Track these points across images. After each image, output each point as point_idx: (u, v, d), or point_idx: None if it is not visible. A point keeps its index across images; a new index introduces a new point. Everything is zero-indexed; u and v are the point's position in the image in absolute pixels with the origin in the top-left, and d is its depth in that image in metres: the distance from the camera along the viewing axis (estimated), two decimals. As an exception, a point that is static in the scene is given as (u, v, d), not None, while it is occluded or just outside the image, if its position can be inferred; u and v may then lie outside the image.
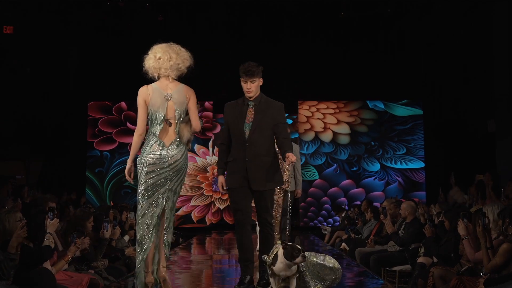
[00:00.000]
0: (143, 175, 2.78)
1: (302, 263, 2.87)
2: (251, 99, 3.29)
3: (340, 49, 9.06)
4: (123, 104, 9.69)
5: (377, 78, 9.05)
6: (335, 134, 9.62)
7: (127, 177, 2.85)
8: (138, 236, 2.81)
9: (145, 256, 2.78)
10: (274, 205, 4.18)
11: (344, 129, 9.62)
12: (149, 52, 2.91)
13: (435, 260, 4.24)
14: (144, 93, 2.84)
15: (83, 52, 8.94)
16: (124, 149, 9.60)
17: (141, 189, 2.78)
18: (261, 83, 3.34)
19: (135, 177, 2.87)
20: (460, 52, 8.30)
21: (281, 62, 8.85)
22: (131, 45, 8.95)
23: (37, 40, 8.20)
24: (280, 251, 2.84)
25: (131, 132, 9.55)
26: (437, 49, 8.76)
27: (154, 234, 2.79)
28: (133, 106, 9.76)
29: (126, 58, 8.99)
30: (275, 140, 3.32)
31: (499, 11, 7.29)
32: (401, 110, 9.63)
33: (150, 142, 2.81)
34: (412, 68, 9.09)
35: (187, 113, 2.89)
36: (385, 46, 9.06)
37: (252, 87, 3.27)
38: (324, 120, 9.65)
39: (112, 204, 7.15)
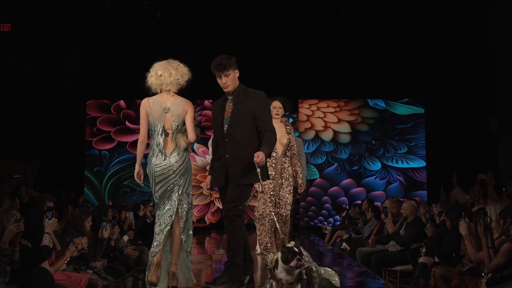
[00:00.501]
0: (154, 185, 3.13)
1: (312, 269, 2.80)
2: (229, 94, 3.16)
3: (341, 47, 9.01)
4: (121, 102, 9.65)
5: (378, 77, 9.01)
6: (335, 133, 9.58)
7: (137, 180, 3.18)
8: (155, 232, 3.16)
9: (157, 250, 3.10)
10: (286, 204, 4.06)
11: (344, 128, 9.57)
12: (151, 70, 3.18)
13: (436, 260, 4.21)
14: (145, 104, 3.13)
15: (82, 50, 8.90)
16: (123, 148, 9.56)
17: (155, 196, 3.15)
18: (237, 75, 3.14)
19: (145, 178, 3.21)
20: (462, 50, 8.26)
21: (281, 61, 8.82)
22: (130, 43, 8.93)
23: (35, 38, 8.15)
24: (280, 255, 2.76)
25: (130, 131, 9.70)
26: (438, 47, 8.72)
27: (166, 232, 3.12)
28: (131, 105, 9.73)
29: (125, 57, 8.99)
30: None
31: (500, 9, 7.26)
32: (402, 109, 9.58)
33: (154, 154, 3.11)
34: (413, 66, 9.05)
35: (184, 123, 3.14)
36: (386, 45, 9.01)
37: (227, 81, 3.11)
38: (324, 119, 9.60)
39: (111, 203, 7.11)
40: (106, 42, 8.95)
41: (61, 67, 8.79)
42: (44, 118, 8.80)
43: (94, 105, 9.64)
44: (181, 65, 3.19)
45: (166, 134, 3.09)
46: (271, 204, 4.09)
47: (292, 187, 4.19)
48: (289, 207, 4.17)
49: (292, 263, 2.67)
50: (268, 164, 3.98)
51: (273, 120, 4.16)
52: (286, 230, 4.16)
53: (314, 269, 2.86)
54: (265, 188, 4.10)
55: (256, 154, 2.93)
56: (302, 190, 4.29)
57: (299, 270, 2.73)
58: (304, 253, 2.83)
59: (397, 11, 8.58)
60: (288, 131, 4.20)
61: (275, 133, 3.13)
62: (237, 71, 3.15)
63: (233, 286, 3.03)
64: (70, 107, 9.14)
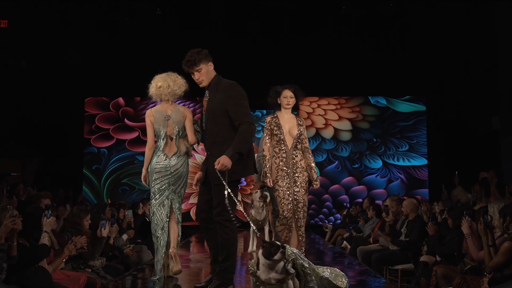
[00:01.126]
0: (152, 181, 3.47)
1: (304, 265, 2.70)
2: (206, 88, 3.08)
3: (341, 44, 8.94)
4: (120, 100, 9.59)
5: (379, 74, 8.95)
6: (336, 130, 9.53)
7: (144, 183, 3.55)
8: (152, 230, 3.52)
9: (161, 244, 3.45)
10: (301, 205, 3.72)
11: (345, 125, 9.53)
12: (152, 82, 3.49)
13: (438, 258, 4.18)
14: (149, 114, 3.48)
15: (80, 47, 8.83)
16: (121, 145, 9.51)
17: (151, 191, 3.49)
18: (211, 68, 3.02)
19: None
20: (464, 47, 8.20)
21: (282, 59, 8.76)
22: (129, 40, 8.86)
23: (33, 34, 8.08)
24: (260, 252, 2.65)
25: (128, 129, 9.65)
26: (440, 44, 8.65)
27: (165, 226, 3.48)
28: (130, 102, 9.67)
29: (124, 54, 8.93)
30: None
31: (503, 6, 7.20)
32: (403, 106, 9.54)
33: (157, 154, 3.46)
34: (414, 63, 8.99)
35: (185, 129, 3.48)
36: (387, 41, 8.95)
37: (200, 77, 3.02)
38: (325, 116, 9.56)
39: (109, 201, 7.07)
40: (105, 39, 8.88)
41: (59, 64, 8.72)
42: (42, 116, 8.73)
43: (93, 103, 9.58)
44: (179, 77, 3.47)
45: (170, 139, 3.45)
46: (289, 203, 3.71)
47: (307, 185, 3.84)
48: (305, 208, 3.79)
49: (276, 256, 2.57)
50: (278, 159, 3.76)
51: (284, 110, 3.92)
52: (303, 235, 3.78)
53: (307, 265, 2.75)
54: (280, 187, 3.74)
55: (217, 161, 2.81)
56: (317, 186, 3.85)
57: (283, 265, 2.63)
58: (294, 250, 2.75)
59: (398, 7, 8.52)
60: (300, 122, 3.93)
61: (251, 125, 2.90)
62: (210, 63, 3.03)
63: None
64: (69, 104, 9.08)
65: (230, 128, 2.92)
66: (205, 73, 3.02)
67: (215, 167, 2.82)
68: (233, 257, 2.98)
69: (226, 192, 2.84)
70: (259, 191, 4.85)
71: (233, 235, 2.95)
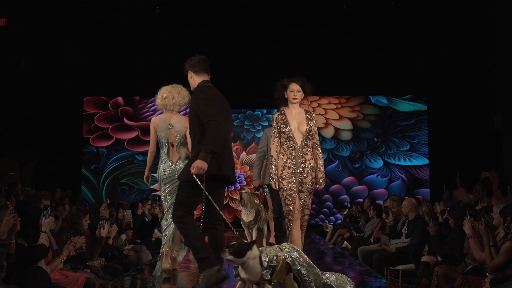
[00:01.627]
0: (162, 185, 3.82)
1: (301, 272, 2.62)
2: None
3: (342, 43, 8.92)
4: (119, 99, 9.55)
5: (380, 73, 8.92)
6: (337, 130, 9.51)
7: (146, 182, 3.95)
8: (163, 228, 3.86)
9: (165, 241, 3.75)
10: (304, 208, 3.59)
11: (346, 125, 9.50)
12: (158, 93, 3.87)
13: (439, 259, 4.15)
14: (154, 122, 3.86)
15: (79, 46, 8.80)
16: (121, 145, 9.47)
17: (162, 195, 3.84)
18: (190, 76, 3.18)
19: (152, 182, 4.03)
20: (465, 46, 8.18)
21: (282, 58, 8.73)
22: (128, 39, 8.83)
23: (31, 33, 8.04)
24: None
25: (128, 128, 9.62)
26: (442, 43, 8.63)
27: (174, 227, 3.72)
28: (130, 101, 9.64)
29: (123, 53, 8.90)
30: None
31: (504, 5, 7.18)
32: (404, 106, 9.51)
33: (163, 160, 3.82)
34: (415, 62, 8.96)
35: (186, 137, 3.78)
36: (388, 40, 8.92)
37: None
38: (325, 115, 9.53)
39: (108, 201, 7.03)
40: (104, 38, 8.84)
41: (58, 63, 8.68)
42: (41, 115, 8.70)
43: (92, 102, 9.54)
44: (183, 89, 3.78)
45: (172, 146, 3.79)
46: (290, 203, 3.56)
47: (312, 187, 3.63)
48: (307, 212, 3.64)
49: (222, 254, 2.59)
50: (286, 156, 3.59)
51: (291, 105, 3.68)
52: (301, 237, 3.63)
53: (305, 272, 2.66)
54: (283, 184, 3.58)
55: (192, 165, 2.88)
56: (321, 187, 3.67)
57: (258, 270, 2.55)
58: (293, 255, 2.67)
59: (398, 7, 8.50)
60: (309, 117, 3.66)
61: (218, 123, 2.90)
62: (190, 72, 3.20)
63: (216, 276, 2.91)
64: (67, 103, 9.04)
65: (203, 129, 2.98)
66: (188, 80, 3.24)
67: (192, 171, 2.88)
68: (202, 245, 2.97)
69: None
70: (240, 192, 4.88)
71: (189, 229, 2.99)
